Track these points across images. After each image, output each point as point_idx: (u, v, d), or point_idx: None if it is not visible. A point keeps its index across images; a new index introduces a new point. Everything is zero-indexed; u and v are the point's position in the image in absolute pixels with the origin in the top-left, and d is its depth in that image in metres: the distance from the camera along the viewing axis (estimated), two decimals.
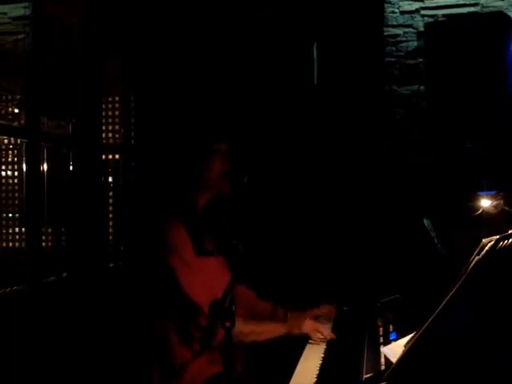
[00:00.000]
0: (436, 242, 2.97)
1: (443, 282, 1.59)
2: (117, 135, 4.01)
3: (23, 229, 3.28)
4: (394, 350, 1.71)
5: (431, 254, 2.97)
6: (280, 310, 2.52)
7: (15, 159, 3.72)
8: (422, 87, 3.77)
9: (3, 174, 3.76)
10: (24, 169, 2.99)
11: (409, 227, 3.46)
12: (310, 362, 2.08)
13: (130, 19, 3.80)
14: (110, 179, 3.86)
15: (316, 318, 2.44)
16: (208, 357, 2.15)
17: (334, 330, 2.34)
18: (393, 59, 3.85)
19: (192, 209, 2.26)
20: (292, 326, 2.32)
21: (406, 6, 3.83)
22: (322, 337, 2.31)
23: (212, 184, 2.26)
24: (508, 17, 3.61)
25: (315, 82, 3.89)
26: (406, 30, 3.83)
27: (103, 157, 3.77)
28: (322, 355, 2.15)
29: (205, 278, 2.16)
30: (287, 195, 3.82)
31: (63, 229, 3.39)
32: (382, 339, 1.99)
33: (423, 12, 3.81)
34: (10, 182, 3.74)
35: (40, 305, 2.92)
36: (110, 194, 3.87)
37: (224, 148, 2.30)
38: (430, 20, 3.78)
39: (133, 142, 3.93)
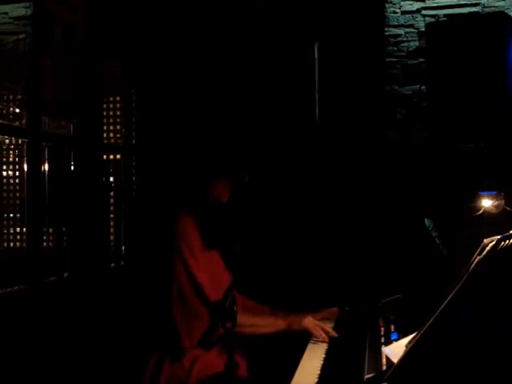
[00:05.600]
0: (437, 241, 2.97)
1: (444, 282, 1.59)
2: (118, 135, 4.01)
3: (24, 229, 3.27)
4: (395, 350, 1.71)
5: (432, 254, 2.97)
6: (280, 313, 2.51)
7: (16, 159, 3.72)
8: (423, 87, 3.77)
9: (4, 173, 3.75)
10: (25, 169, 2.99)
11: (410, 227, 3.46)
12: (311, 362, 2.08)
13: (132, 19, 3.80)
14: (111, 179, 3.86)
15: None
16: (210, 357, 2.15)
17: (335, 330, 2.34)
18: (394, 59, 3.85)
19: (201, 202, 2.27)
20: (292, 322, 2.33)
21: (407, 6, 3.83)
22: (323, 333, 2.29)
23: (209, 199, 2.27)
24: (509, 17, 3.62)
25: (317, 82, 3.89)
26: (407, 29, 3.83)
27: (104, 157, 3.78)
28: (324, 355, 2.14)
29: (210, 270, 2.20)
30: (288, 196, 3.81)
31: (64, 229, 3.39)
32: (383, 339, 1.99)
33: (424, 12, 3.81)
34: (11, 181, 3.74)
35: (41, 305, 2.92)
36: (112, 193, 3.87)
37: (224, 184, 2.31)
38: (432, 20, 3.78)
39: (134, 141, 3.93)
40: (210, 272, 2.22)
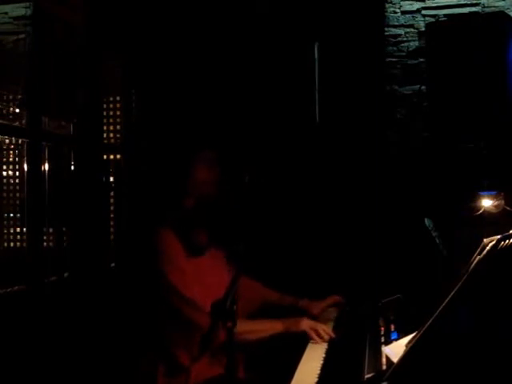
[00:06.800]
0: (437, 241, 2.97)
1: (444, 282, 1.59)
2: (118, 135, 4.01)
3: (24, 229, 3.28)
4: (395, 349, 1.71)
5: (432, 254, 2.97)
6: (287, 297, 2.56)
7: (16, 159, 3.72)
8: (423, 87, 3.77)
9: (4, 173, 3.75)
10: (25, 169, 3.00)
11: (410, 227, 3.46)
12: (311, 362, 2.08)
13: (131, 19, 3.80)
14: (111, 179, 3.86)
15: (324, 311, 2.52)
16: (207, 360, 2.15)
17: (335, 330, 2.34)
18: (394, 59, 3.85)
19: (178, 211, 2.27)
20: (289, 324, 2.30)
21: (407, 6, 3.83)
22: (322, 334, 2.29)
23: (195, 190, 2.26)
24: (509, 17, 3.62)
25: (317, 82, 3.89)
26: (407, 29, 3.83)
27: (104, 157, 3.78)
28: (324, 355, 2.14)
29: (199, 278, 2.19)
30: (288, 196, 3.81)
31: (64, 229, 3.40)
32: (383, 339, 1.99)
33: (424, 12, 3.81)
34: (11, 181, 3.74)
35: (41, 305, 2.92)
36: (112, 193, 3.87)
37: (208, 156, 2.31)
38: (432, 20, 3.78)
39: (134, 142, 3.93)
40: (202, 278, 2.21)
